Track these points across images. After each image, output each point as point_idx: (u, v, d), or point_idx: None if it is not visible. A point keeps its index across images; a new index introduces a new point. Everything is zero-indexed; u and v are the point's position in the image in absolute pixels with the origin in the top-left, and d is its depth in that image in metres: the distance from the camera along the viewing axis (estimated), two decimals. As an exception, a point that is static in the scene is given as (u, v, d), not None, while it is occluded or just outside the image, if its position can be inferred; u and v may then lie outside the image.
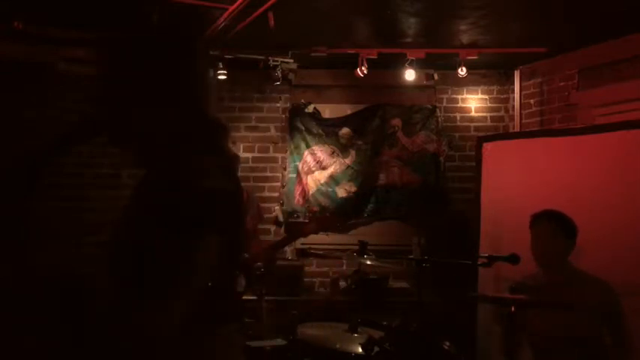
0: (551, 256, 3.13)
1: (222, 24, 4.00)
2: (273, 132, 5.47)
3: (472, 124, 5.55)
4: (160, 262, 1.35)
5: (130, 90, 1.48)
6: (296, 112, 5.44)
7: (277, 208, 5.39)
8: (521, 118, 5.33)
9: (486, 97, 5.57)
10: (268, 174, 5.44)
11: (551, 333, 3.07)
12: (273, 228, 5.36)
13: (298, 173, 5.40)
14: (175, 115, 1.51)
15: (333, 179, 5.39)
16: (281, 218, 5.36)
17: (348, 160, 5.40)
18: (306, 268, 5.27)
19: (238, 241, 1.55)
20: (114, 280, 1.47)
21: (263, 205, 5.02)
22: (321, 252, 4.75)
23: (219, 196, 1.43)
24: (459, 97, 5.57)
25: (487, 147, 4.63)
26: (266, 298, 3.75)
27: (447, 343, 3.18)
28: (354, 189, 5.38)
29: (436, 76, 5.41)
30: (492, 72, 5.50)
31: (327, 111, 5.49)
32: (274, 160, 5.44)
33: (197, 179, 1.41)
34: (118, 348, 1.38)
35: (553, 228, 3.11)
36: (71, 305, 1.43)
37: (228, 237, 1.47)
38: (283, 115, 5.47)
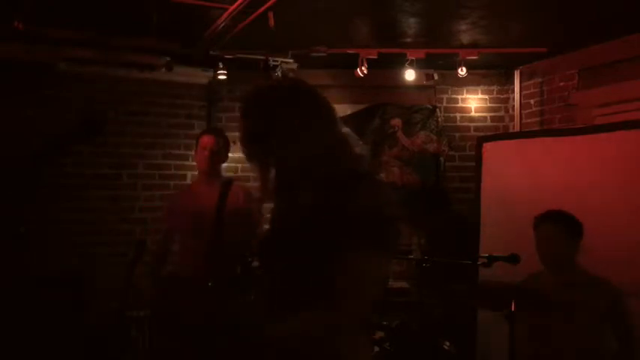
0: (557, 257, 3.12)
1: (222, 24, 3.99)
2: (273, 132, 5.45)
3: (472, 124, 5.55)
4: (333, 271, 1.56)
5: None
6: (296, 112, 5.43)
7: (277, 208, 5.37)
8: (521, 118, 5.33)
9: (486, 97, 5.57)
10: (268, 174, 5.43)
11: (553, 333, 3.07)
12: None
13: (298, 173, 5.39)
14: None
15: (333, 179, 5.37)
16: (281, 218, 5.35)
17: (348, 160, 5.39)
18: (307, 268, 5.26)
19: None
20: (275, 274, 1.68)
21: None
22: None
23: (395, 221, 1.68)
24: (459, 97, 5.56)
25: (487, 147, 4.62)
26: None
27: (447, 343, 3.18)
28: (354, 189, 5.36)
29: (436, 76, 5.40)
30: (492, 72, 5.50)
31: (327, 111, 5.48)
32: (274, 160, 5.43)
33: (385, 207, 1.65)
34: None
35: (558, 229, 3.10)
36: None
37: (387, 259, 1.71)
38: (283, 115, 5.45)
